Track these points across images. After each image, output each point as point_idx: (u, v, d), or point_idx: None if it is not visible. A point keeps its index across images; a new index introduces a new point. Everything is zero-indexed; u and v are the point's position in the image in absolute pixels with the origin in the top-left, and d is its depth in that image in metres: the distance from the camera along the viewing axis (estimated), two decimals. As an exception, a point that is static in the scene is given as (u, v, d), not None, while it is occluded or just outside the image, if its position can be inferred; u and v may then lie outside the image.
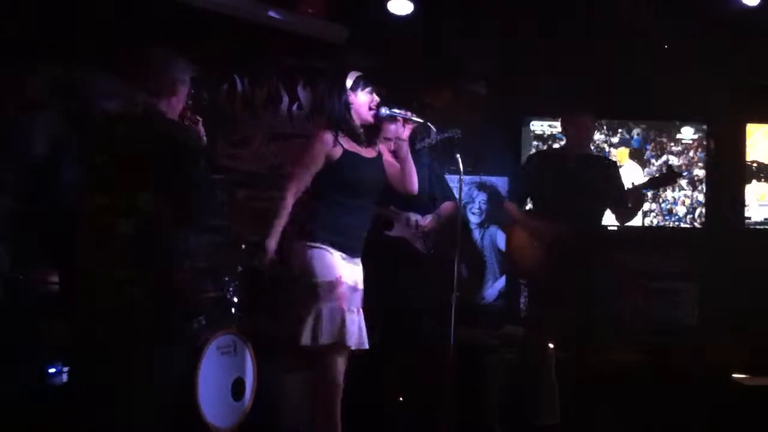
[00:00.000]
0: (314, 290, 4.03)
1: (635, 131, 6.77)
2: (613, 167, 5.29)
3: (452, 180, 5.38)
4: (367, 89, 4.23)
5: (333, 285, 4.03)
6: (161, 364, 3.29)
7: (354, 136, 4.21)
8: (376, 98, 4.25)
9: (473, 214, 6.50)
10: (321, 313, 4.00)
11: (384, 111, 4.23)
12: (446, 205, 5.34)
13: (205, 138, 3.62)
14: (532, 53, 6.36)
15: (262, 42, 6.10)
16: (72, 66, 5.70)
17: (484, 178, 6.49)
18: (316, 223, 4.12)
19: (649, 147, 6.74)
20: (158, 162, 3.29)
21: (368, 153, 4.30)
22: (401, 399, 5.17)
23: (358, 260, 4.26)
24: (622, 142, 6.78)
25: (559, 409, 5.26)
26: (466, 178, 6.07)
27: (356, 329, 4.07)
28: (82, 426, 3.45)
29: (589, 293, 4.98)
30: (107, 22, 5.50)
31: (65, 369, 4.51)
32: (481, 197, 6.51)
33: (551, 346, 5.26)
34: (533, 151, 6.53)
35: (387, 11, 6.08)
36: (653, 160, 6.72)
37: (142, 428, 3.33)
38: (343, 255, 4.14)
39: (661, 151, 6.72)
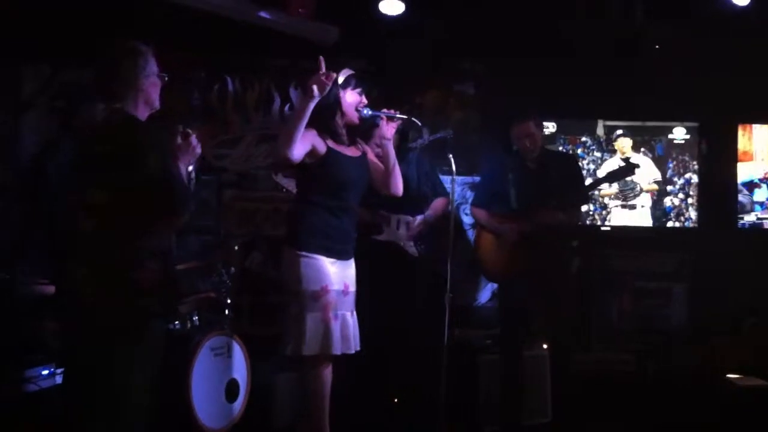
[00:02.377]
0: (299, 299, 4.01)
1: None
2: (574, 162, 5.39)
3: (445, 181, 5.38)
4: (357, 90, 4.20)
5: (318, 294, 4.00)
6: (123, 365, 3.25)
7: (335, 136, 4.17)
8: (364, 100, 4.22)
9: (466, 215, 6.49)
10: (305, 323, 3.97)
11: (366, 112, 4.19)
12: (437, 203, 5.32)
13: (198, 151, 3.50)
14: (524, 54, 6.37)
15: (254, 43, 6.08)
16: (59, 66, 5.68)
17: (477, 178, 6.48)
18: (305, 229, 4.08)
19: (671, 165, 6.74)
20: (117, 160, 3.24)
21: (352, 152, 4.26)
22: (396, 400, 5.17)
23: (350, 262, 4.23)
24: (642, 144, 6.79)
25: (551, 408, 5.31)
26: (459, 178, 6.07)
27: (340, 336, 4.04)
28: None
29: (559, 288, 5.03)
30: (95, 21, 5.48)
31: (59, 371, 4.50)
32: (474, 198, 6.50)
33: (545, 346, 5.30)
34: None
35: (378, 12, 6.08)
36: (676, 179, 6.74)
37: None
38: (333, 260, 4.10)
39: (684, 169, 6.74)
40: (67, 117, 5.20)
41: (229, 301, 5.07)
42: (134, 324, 3.25)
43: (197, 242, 5.95)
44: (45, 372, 4.48)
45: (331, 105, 4.12)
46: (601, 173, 6.53)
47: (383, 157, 4.29)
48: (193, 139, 3.41)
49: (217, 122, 6.28)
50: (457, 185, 4.69)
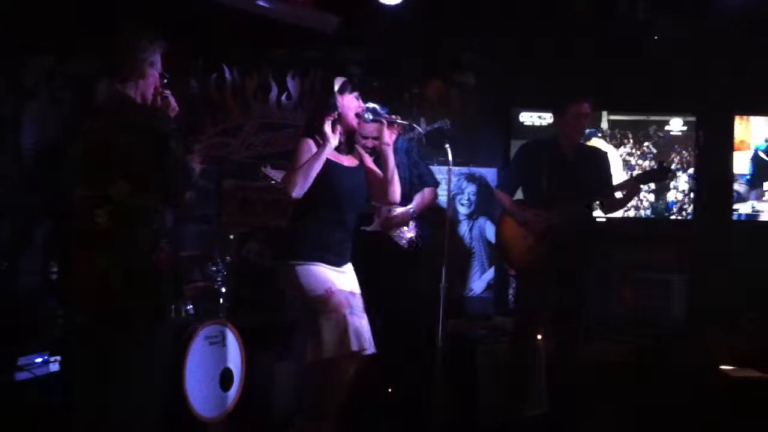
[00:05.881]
0: (309, 306, 3.97)
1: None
2: (606, 159, 5.29)
3: (441, 171, 5.36)
4: (354, 94, 4.17)
5: (325, 297, 3.95)
6: (146, 348, 3.30)
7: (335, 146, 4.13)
8: (362, 104, 4.18)
9: (462, 205, 6.48)
10: (321, 327, 3.91)
11: (368, 116, 4.14)
12: (425, 193, 5.27)
13: (176, 108, 3.52)
14: (522, 44, 6.36)
15: (252, 31, 6.07)
16: (62, 54, 5.67)
17: (474, 169, 6.48)
18: (300, 241, 4.06)
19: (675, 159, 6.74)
20: (129, 150, 3.27)
21: (349, 162, 4.22)
22: (390, 390, 5.17)
23: (348, 267, 4.20)
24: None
25: (547, 398, 5.31)
26: (456, 169, 6.06)
27: (357, 334, 3.97)
28: (71, 415, 3.45)
29: (579, 284, 4.99)
30: (93, 9, 5.46)
31: (53, 359, 4.51)
32: (470, 188, 6.49)
33: (540, 337, 5.28)
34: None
35: (378, 1, 6.06)
36: (679, 173, 6.73)
37: (131, 414, 3.32)
38: (331, 267, 4.07)
39: (687, 164, 6.73)
40: (71, 107, 5.20)
41: (224, 290, 5.08)
42: (155, 305, 3.34)
43: (194, 231, 5.95)
44: (39, 360, 4.49)
45: (330, 114, 4.07)
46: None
47: (382, 164, 4.22)
48: None
49: (217, 111, 6.27)
50: (453, 176, 4.67)
